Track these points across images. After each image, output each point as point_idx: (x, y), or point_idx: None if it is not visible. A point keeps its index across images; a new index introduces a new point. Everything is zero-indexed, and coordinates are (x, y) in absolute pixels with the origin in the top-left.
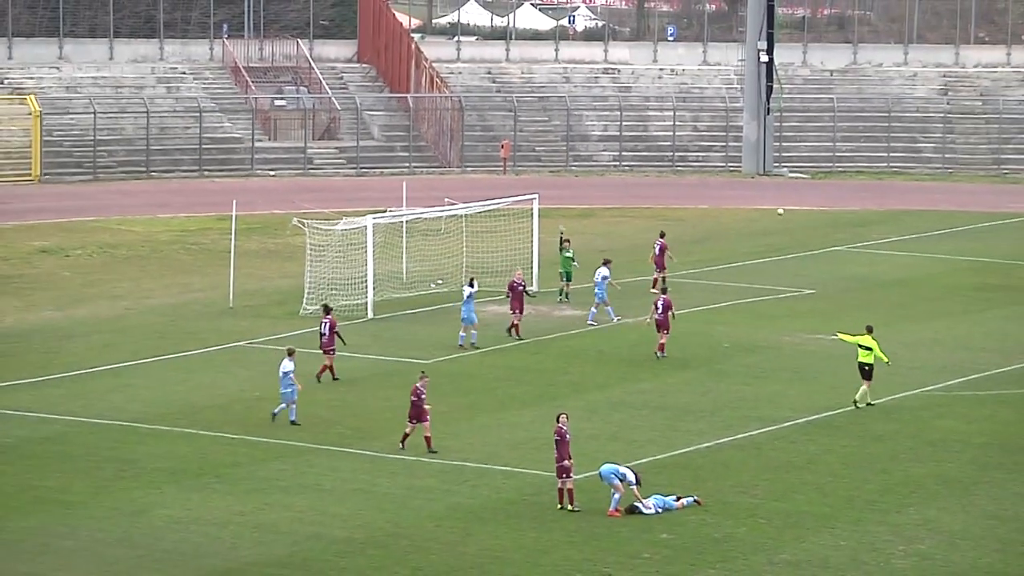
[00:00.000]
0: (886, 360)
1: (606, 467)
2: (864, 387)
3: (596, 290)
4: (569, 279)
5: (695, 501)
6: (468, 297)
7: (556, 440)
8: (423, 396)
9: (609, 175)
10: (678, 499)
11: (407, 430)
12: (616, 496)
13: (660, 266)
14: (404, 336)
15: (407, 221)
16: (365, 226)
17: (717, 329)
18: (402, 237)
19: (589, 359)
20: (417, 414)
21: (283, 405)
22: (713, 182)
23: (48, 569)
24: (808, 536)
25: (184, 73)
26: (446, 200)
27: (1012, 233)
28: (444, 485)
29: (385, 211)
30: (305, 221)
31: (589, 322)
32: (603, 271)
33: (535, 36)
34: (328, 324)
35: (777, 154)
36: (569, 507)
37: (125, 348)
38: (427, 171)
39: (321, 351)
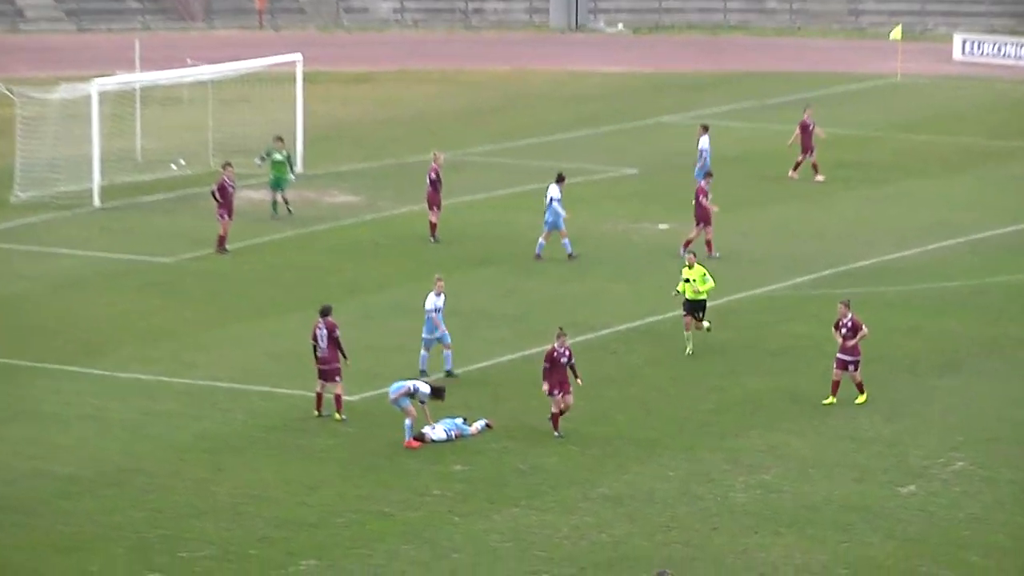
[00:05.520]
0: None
1: (394, 386)
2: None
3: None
4: (279, 187)
5: (487, 425)
6: (551, 200)
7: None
8: (572, 362)
9: (389, 31)
10: (469, 423)
11: (553, 409)
12: (408, 422)
13: (804, 148)
14: (139, 228)
15: (141, 88)
16: (89, 94)
17: (522, 217)
18: (135, 108)
19: (366, 254)
20: (560, 383)
21: (424, 354)
22: (515, 38)
23: None
24: (630, 466)
25: None
26: (189, 62)
27: (871, 99)
28: (190, 410)
29: (113, 75)
30: (14, 88)
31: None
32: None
33: None
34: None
35: (592, 4)
36: (336, 415)
37: None
38: (165, 27)
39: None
